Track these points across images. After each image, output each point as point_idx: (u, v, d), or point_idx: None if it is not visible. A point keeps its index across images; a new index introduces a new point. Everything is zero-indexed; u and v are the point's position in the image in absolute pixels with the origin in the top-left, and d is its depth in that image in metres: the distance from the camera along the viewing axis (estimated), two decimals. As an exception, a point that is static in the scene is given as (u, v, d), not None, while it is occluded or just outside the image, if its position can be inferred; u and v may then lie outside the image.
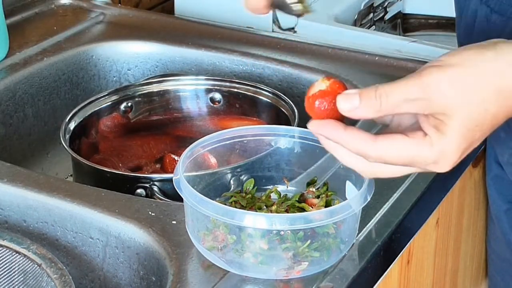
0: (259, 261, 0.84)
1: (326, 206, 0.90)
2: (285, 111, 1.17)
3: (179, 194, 0.86)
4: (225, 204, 0.89)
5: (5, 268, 0.87)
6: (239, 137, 0.96)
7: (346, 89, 0.75)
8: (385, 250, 0.92)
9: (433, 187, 1.03)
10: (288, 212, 0.90)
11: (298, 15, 0.89)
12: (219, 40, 1.37)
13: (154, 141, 1.25)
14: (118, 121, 1.22)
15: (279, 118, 1.18)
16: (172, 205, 0.96)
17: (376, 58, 1.31)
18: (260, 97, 1.22)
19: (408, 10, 1.79)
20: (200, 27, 1.41)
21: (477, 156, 1.22)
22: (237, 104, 1.24)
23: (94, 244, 0.94)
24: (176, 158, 1.19)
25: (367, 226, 0.93)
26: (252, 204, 0.92)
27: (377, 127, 0.82)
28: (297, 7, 0.87)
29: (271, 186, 0.97)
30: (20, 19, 1.39)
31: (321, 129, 0.74)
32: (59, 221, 0.96)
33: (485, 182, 1.22)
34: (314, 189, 0.93)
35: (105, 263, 0.95)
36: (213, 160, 0.96)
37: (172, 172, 0.90)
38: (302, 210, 0.90)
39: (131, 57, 1.36)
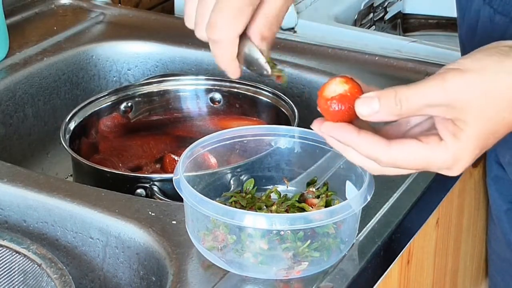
0: (259, 261, 0.84)
1: (326, 206, 0.90)
2: (285, 111, 1.17)
3: (179, 194, 0.86)
4: (225, 204, 0.88)
5: (5, 268, 0.87)
6: (239, 137, 0.96)
7: (362, 91, 0.72)
8: (385, 250, 0.92)
9: (433, 187, 1.03)
10: (288, 212, 0.90)
11: (271, 78, 0.81)
12: (219, 40, 1.36)
13: (154, 141, 1.25)
14: (118, 121, 1.22)
15: (279, 118, 1.18)
16: (172, 205, 0.96)
17: (376, 58, 1.31)
18: (260, 97, 1.22)
19: (408, 10, 1.79)
20: (200, 27, 1.41)
21: (477, 156, 1.22)
22: (237, 104, 1.24)
23: (94, 244, 0.94)
24: (176, 158, 1.19)
25: (367, 226, 0.93)
26: (252, 204, 0.92)
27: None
28: (268, 70, 0.78)
29: (271, 186, 0.97)
30: (20, 19, 1.39)
31: (334, 132, 0.73)
32: (59, 221, 0.96)
33: (485, 182, 1.21)
34: (314, 189, 0.93)
35: (105, 263, 0.94)
36: (213, 160, 0.96)
37: (172, 172, 0.90)
38: (302, 210, 0.90)
39: (131, 57, 1.36)
